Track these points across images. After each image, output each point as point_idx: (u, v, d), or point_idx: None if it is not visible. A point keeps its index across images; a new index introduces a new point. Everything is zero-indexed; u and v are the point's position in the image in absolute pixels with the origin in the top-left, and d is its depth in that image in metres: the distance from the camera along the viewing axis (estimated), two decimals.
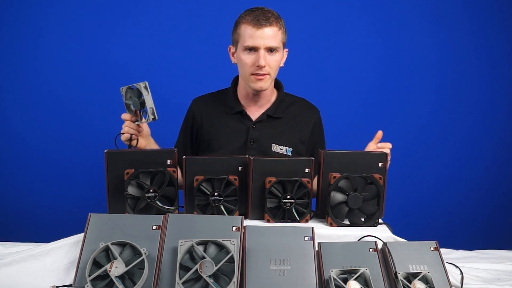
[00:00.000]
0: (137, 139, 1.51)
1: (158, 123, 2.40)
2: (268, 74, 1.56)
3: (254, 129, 1.65)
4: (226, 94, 1.71)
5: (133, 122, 1.49)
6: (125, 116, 1.49)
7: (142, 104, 1.46)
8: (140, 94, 1.45)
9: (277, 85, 1.72)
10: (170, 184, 1.32)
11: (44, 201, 2.38)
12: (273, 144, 1.65)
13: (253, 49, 1.53)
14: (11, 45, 2.30)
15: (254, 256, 1.15)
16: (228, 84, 1.74)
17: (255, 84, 1.57)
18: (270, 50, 1.54)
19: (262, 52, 1.52)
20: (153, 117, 1.46)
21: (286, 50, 1.64)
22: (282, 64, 1.63)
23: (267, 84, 1.58)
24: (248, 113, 1.67)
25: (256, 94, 1.64)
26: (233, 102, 1.67)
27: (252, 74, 1.55)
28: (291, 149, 1.66)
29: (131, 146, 1.51)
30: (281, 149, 1.65)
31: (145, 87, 1.44)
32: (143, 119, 1.48)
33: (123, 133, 1.49)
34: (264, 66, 1.53)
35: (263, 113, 1.67)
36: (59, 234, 1.29)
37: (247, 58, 1.54)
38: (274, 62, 1.55)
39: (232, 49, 1.63)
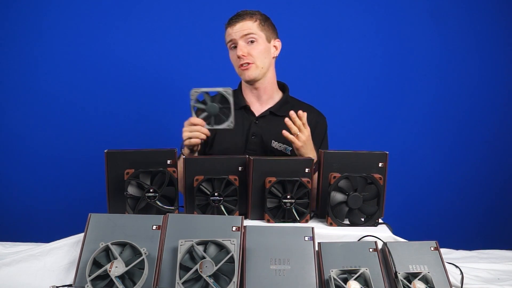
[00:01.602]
0: (199, 145, 1.51)
1: (157, 123, 2.42)
2: (253, 63, 1.62)
3: (256, 124, 1.69)
4: None
5: (203, 126, 1.45)
6: (197, 120, 1.45)
7: (220, 110, 1.45)
8: (220, 100, 1.45)
9: (283, 87, 1.77)
10: (170, 184, 1.32)
11: (44, 201, 2.38)
12: (273, 141, 1.67)
13: (234, 46, 1.63)
14: (10, 44, 2.30)
15: (254, 256, 1.15)
16: (229, 85, 1.75)
17: (243, 75, 1.66)
18: (251, 41, 1.62)
19: (240, 43, 1.61)
20: (232, 124, 1.46)
21: (277, 40, 1.70)
22: (275, 55, 1.70)
23: (253, 73, 1.64)
24: (252, 109, 1.72)
25: (255, 88, 1.70)
26: (238, 98, 1.72)
27: (239, 67, 1.64)
28: (291, 148, 1.66)
29: (195, 151, 1.52)
30: (280, 146, 1.67)
31: (230, 94, 1.45)
32: (221, 125, 1.45)
33: (191, 138, 1.46)
34: (245, 56, 1.61)
35: (267, 110, 1.71)
36: (59, 234, 1.28)
37: (233, 55, 1.66)
38: (255, 50, 1.62)
39: None
